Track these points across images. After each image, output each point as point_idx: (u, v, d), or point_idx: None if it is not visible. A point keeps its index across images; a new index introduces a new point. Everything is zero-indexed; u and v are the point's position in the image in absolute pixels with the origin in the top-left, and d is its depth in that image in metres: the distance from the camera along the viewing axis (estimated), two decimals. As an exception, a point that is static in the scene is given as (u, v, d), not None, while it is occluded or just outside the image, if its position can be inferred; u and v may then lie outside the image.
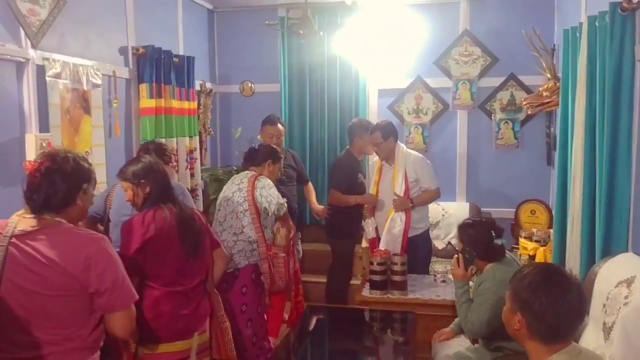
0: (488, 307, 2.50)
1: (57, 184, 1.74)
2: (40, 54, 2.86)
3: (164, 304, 2.31)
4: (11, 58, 2.69)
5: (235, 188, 3.23)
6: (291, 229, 3.29)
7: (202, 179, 4.72)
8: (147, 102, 3.79)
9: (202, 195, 4.56)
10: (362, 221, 4.27)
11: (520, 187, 4.79)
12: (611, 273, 2.54)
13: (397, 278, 3.44)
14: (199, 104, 4.71)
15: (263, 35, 5.18)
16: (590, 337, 2.47)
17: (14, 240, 1.67)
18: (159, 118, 3.89)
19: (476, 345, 2.74)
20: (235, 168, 5.00)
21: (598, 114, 3.04)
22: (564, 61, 3.66)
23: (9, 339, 1.68)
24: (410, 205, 3.93)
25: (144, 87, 3.78)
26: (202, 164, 4.78)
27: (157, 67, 3.88)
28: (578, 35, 3.34)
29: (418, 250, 3.96)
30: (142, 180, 2.36)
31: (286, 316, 3.63)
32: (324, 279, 4.42)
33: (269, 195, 3.16)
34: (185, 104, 4.29)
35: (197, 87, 4.67)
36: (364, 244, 4.87)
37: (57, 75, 2.96)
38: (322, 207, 4.41)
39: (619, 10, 2.76)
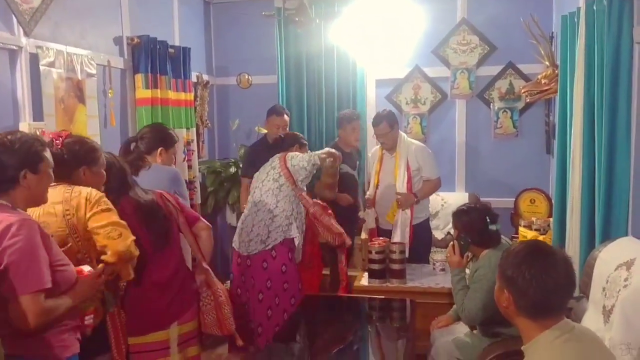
0: (484, 293, 2.49)
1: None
2: (34, 42, 2.83)
3: (132, 298, 2.28)
4: (3, 46, 2.67)
5: (269, 168, 3.39)
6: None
7: (199, 171, 4.70)
8: (142, 93, 3.76)
9: (199, 188, 4.54)
10: (362, 212, 4.25)
11: (519, 176, 4.77)
12: (610, 257, 2.52)
13: (395, 266, 3.43)
14: (195, 96, 4.68)
15: (260, 27, 5.15)
16: (590, 321, 2.45)
17: None
18: (155, 109, 3.87)
19: (474, 331, 2.72)
20: (233, 160, 4.99)
21: (596, 99, 3.02)
22: (562, 48, 3.64)
23: None
24: (415, 200, 3.93)
25: (139, 78, 3.76)
26: (199, 157, 4.76)
27: (152, 58, 3.85)
28: (576, 20, 3.31)
29: (418, 240, 3.95)
30: None
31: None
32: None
33: (300, 159, 3.30)
34: (182, 95, 4.27)
35: (194, 79, 4.64)
36: (363, 235, 4.86)
37: (51, 64, 2.94)
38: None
39: (617, -7, 2.74)
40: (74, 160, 2.14)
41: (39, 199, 1.87)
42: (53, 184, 1.98)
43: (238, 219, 4.84)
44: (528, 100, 4.49)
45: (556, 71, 3.96)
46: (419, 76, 4.96)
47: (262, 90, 5.23)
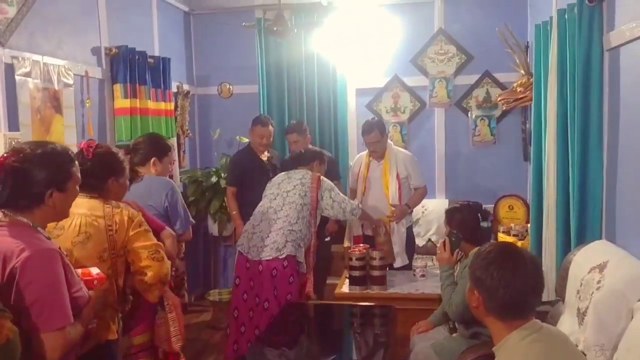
0: None
1: (24, 181, 1.63)
2: (9, 53, 2.82)
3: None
4: (-22, 56, 2.65)
5: (297, 182, 3.44)
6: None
7: (180, 181, 4.69)
8: (122, 102, 3.76)
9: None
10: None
11: (498, 183, 4.83)
12: (584, 260, 2.56)
13: (376, 273, 3.44)
14: (176, 106, 4.68)
15: (240, 37, 5.17)
16: (565, 324, 2.49)
17: None
18: (135, 118, 3.86)
19: (454, 334, 2.74)
20: (214, 169, 4.98)
21: (569, 105, 3.09)
22: (536, 56, 3.72)
23: None
24: (409, 211, 4.01)
25: (118, 88, 3.75)
26: (180, 166, 4.75)
27: (131, 68, 3.85)
28: (549, 29, 3.39)
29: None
30: None
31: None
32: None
33: (342, 202, 3.47)
34: (162, 105, 4.27)
35: (174, 89, 4.64)
36: (346, 243, 4.87)
37: (27, 74, 2.92)
38: None
39: (587, 2, 2.81)
40: (105, 171, 2.15)
41: (61, 216, 1.80)
42: (83, 194, 1.97)
43: (220, 228, 4.85)
44: (505, 108, 4.57)
45: (531, 79, 4.03)
46: (398, 85, 5.01)
47: (243, 99, 5.26)
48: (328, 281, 4.46)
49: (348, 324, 3.22)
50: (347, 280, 3.60)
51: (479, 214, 2.77)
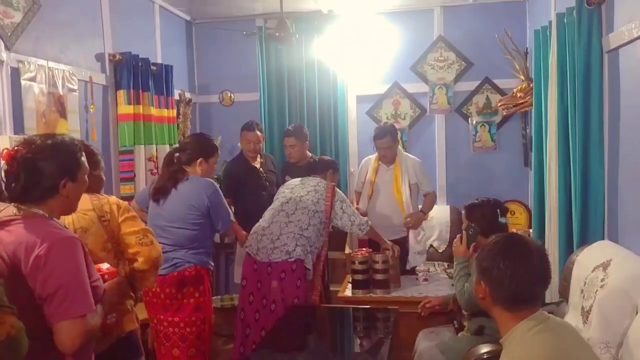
0: None
1: (34, 173, 1.61)
2: (15, 57, 2.84)
3: None
4: (-16, 59, 2.68)
5: (311, 189, 3.48)
6: None
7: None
8: (125, 108, 3.78)
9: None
10: None
11: (499, 189, 4.83)
12: (588, 259, 2.57)
13: (379, 277, 3.44)
14: (178, 113, 4.70)
15: (241, 46, 5.22)
16: (570, 323, 2.49)
17: None
18: (138, 124, 3.88)
19: (459, 334, 2.75)
20: (215, 176, 4.97)
21: (570, 109, 3.11)
22: (535, 61, 3.75)
23: None
24: (425, 217, 4.10)
25: (121, 94, 3.78)
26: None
27: (134, 74, 3.88)
28: (548, 34, 3.43)
29: (406, 252, 4.01)
30: None
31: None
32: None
33: (352, 215, 3.48)
34: (165, 112, 4.29)
35: (176, 97, 4.67)
36: (347, 250, 4.87)
37: (32, 79, 2.95)
38: None
39: (585, 5, 2.85)
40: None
41: (73, 208, 1.79)
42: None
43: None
44: (505, 113, 4.60)
45: (531, 85, 4.07)
46: (399, 92, 5.05)
47: (244, 107, 5.27)
48: (330, 288, 4.44)
49: (352, 328, 3.22)
50: (350, 285, 3.60)
51: (498, 210, 2.79)
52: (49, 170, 1.63)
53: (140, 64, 3.95)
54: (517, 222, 4.66)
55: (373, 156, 4.21)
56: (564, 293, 2.75)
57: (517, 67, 4.39)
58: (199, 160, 2.96)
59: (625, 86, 2.67)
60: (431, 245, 4.87)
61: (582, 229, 3.01)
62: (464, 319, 2.77)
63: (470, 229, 2.72)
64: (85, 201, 2.06)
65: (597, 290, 2.31)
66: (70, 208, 1.78)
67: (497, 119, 4.89)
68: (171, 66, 4.41)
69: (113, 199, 2.17)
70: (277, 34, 4.18)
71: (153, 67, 4.13)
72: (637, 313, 2.12)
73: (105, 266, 1.89)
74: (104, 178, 2.34)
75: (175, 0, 4.74)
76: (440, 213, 4.81)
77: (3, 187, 1.68)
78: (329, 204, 3.43)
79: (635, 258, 2.38)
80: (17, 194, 1.62)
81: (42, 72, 3.01)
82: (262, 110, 5.09)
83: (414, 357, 2.78)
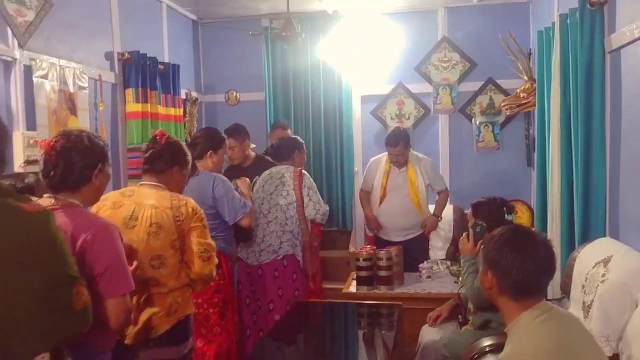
0: None
1: (73, 161, 1.77)
2: (27, 54, 2.90)
3: None
4: (-2, 57, 2.74)
5: (278, 182, 3.49)
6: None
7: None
8: (133, 107, 3.83)
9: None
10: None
11: (502, 189, 4.81)
12: (589, 256, 2.62)
13: (382, 273, 3.49)
14: (184, 112, 4.76)
15: (247, 45, 5.28)
16: (573, 314, 2.53)
17: None
18: (145, 122, 3.93)
19: (463, 328, 2.79)
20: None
21: (572, 108, 3.15)
22: (539, 62, 3.80)
23: None
24: (439, 220, 4.17)
25: (130, 92, 3.83)
26: (188, 172, 4.81)
27: (142, 73, 3.93)
28: (551, 35, 3.47)
29: (413, 253, 3.99)
30: None
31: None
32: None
33: (317, 203, 3.48)
34: (172, 111, 4.34)
35: (183, 96, 4.72)
36: (351, 248, 4.92)
37: (44, 76, 3.00)
38: None
39: (588, 6, 2.89)
40: (172, 158, 2.37)
41: (99, 197, 1.95)
42: (151, 184, 2.29)
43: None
44: (508, 114, 4.64)
45: (534, 85, 4.11)
46: (403, 92, 5.09)
47: (250, 106, 5.33)
48: (333, 285, 4.46)
49: (356, 322, 3.26)
50: (354, 281, 3.65)
51: (504, 207, 2.84)
52: (83, 160, 1.79)
53: (148, 62, 4.01)
54: (519, 221, 4.68)
55: (382, 158, 4.21)
56: (566, 289, 2.80)
57: (520, 67, 4.43)
58: (209, 153, 3.12)
59: (627, 86, 2.72)
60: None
61: (584, 226, 3.05)
62: (468, 313, 2.82)
63: (477, 226, 2.76)
64: (166, 199, 2.26)
65: (597, 286, 2.36)
66: (98, 197, 1.94)
67: (501, 119, 4.93)
68: (178, 65, 4.46)
69: (191, 202, 2.31)
70: (283, 33, 4.23)
71: (160, 66, 4.18)
72: (637, 307, 2.17)
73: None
74: (187, 179, 2.51)
75: (182, 0, 4.80)
76: (444, 213, 4.84)
77: (40, 176, 1.83)
78: (298, 192, 3.46)
79: (636, 254, 2.42)
80: (55, 182, 1.78)
81: (53, 70, 3.07)
82: (267, 110, 5.15)
83: (418, 351, 2.82)
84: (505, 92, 4.85)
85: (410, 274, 3.81)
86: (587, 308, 2.40)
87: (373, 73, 5.11)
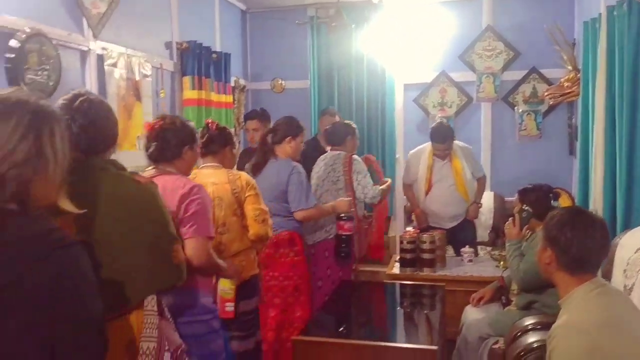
0: None
1: (168, 139, 2.14)
2: (100, 44, 3.13)
3: None
4: (76, 47, 2.97)
5: (330, 169, 3.67)
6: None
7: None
8: (190, 93, 4.05)
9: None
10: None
11: (543, 177, 4.81)
12: (631, 242, 2.70)
13: (426, 256, 3.63)
14: (233, 99, 4.96)
15: (293, 34, 5.44)
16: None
17: None
18: (200, 109, 4.15)
19: (506, 308, 2.93)
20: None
21: (617, 99, 3.21)
22: (584, 53, 3.84)
23: None
24: (480, 206, 4.25)
25: (187, 80, 4.05)
26: (236, 156, 5.03)
27: (198, 61, 4.14)
28: (597, 26, 3.52)
29: (460, 237, 4.15)
30: None
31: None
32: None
33: (365, 187, 3.61)
34: (223, 98, 4.55)
35: (232, 83, 4.92)
36: (391, 233, 5.07)
37: (114, 65, 3.23)
38: None
39: (637, -1, 2.95)
40: (224, 140, 2.76)
41: (189, 171, 2.32)
42: (208, 164, 2.69)
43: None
44: (551, 103, 4.69)
45: (578, 75, 4.16)
46: (446, 80, 5.18)
47: (294, 94, 5.51)
48: (371, 268, 4.56)
49: (400, 302, 3.41)
50: (397, 263, 3.81)
51: (551, 194, 2.95)
52: (175, 138, 2.16)
53: (202, 51, 4.21)
54: (560, 209, 4.75)
55: (423, 151, 4.25)
56: (607, 275, 2.88)
57: (564, 57, 4.47)
58: (287, 139, 3.31)
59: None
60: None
61: (626, 214, 3.13)
62: (511, 295, 2.94)
63: (524, 212, 2.87)
64: (223, 175, 2.66)
65: (639, 270, 2.45)
66: (188, 171, 2.30)
67: (543, 108, 4.97)
68: (229, 54, 4.66)
69: (244, 176, 2.72)
70: (333, 24, 4.36)
71: (214, 55, 4.39)
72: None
73: None
74: (236, 155, 3.04)
75: (233, -10, 4.99)
76: (484, 200, 4.93)
77: (146, 151, 2.22)
78: (348, 178, 3.63)
79: (678, 240, 2.50)
80: (155, 155, 2.17)
81: (121, 59, 3.29)
82: (312, 98, 5.31)
83: (461, 329, 2.97)
84: (548, 82, 4.89)
85: (452, 258, 3.95)
86: (628, 291, 2.50)
87: (416, 61, 5.20)
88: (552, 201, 2.93)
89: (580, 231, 1.74)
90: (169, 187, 2.02)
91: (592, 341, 1.62)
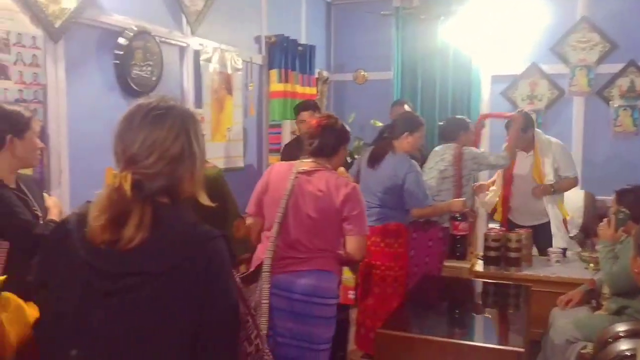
0: None
1: (329, 136, 2.36)
2: (197, 40, 3.28)
3: None
4: (175, 43, 3.13)
5: (438, 159, 3.69)
6: None
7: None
8: (276, 86, 4.16)
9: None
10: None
11: (638, 175, 4.67)
12: None
13: (512, 254, 3.55)
14: (316, 90, 5.04)
15: (377, 26, 5.42)
16: None
17: (298, 175, 2.32)
18: (286, 101, 4.26)
19: (597, 312, 2.82)
20: (348, 152, 5.27)
21: None
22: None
23: (290, 246, 2.28)
24: (552, 190, 3.99)
25: (274, 73, 4.16)
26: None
27: (285, 54, 4.24)
28: None
29: (542, 238, 3.99)
30: None
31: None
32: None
33: (486, 157, 3.69)
34: (307, 89, 4.64)
35: (316, 75, 5.00)
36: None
37: (208, 60, 3.38)
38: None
39: None
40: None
41: (341, 164, 2.54)
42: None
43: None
44: (652, 97, 4.42)
45: (684, 68, 3.89)
46: (536, 73, 4.99)
47: (377, 85, 5.50)
48: (455, 264, 4.50)
49: (484, 300, 3.36)
50: (480, 261, 3.74)
51: None
52: (335, 135, 2.39)
53: (289, 44, 4.31)
54: (657, 210, 4.48)
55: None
56: None
57: (669, 49, 4.20)
58: (405, 134, 3.32)
59: None
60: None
61: None
62: (602, 299, 2.84)
63: (621, 213, 2.76)
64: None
65: None
66: (339, 165, 2.51)
67: (642, 103, 4.70)
68: (314, 46, 4.73)
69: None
70: (422, 16, 4.32)
71: (299, 48, 4.47)
72: None
73: None
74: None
75: (319, -16, 5.05)
76: (574, 198, 4.73)
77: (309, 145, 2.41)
78: (457, 168, 3.61)
79: None
80: (315, 150, 2.37)
81: (215, 54, 3.43)
82: (395, 89, 5.29)
83: (549, 332, 2.89)
84: (648, 75, 4.61)
85: (538, 258, 3.84)
86: None
87: (505, 53, 5.05)
88: None
89: None
90: (332, 183, 2.28)
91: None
